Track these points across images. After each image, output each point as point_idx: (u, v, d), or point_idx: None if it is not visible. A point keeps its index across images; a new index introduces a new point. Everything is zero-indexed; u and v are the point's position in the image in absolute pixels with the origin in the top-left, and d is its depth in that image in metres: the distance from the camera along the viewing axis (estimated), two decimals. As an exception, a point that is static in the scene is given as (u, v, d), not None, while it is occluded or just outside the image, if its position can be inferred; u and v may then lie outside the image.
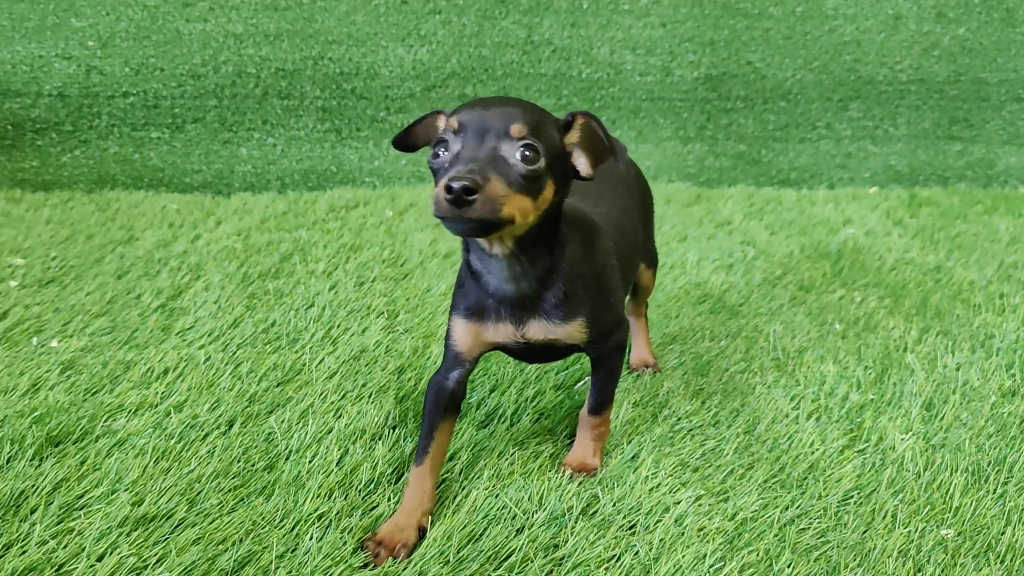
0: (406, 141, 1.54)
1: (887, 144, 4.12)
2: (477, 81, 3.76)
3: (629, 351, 2.20)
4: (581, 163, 1.47)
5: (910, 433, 1.87)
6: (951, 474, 1.72)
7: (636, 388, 2.05)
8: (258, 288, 2.64)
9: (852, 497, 1.65)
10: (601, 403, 1.72)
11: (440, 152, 1.39)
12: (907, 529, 1.55)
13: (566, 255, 1.50)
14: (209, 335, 2.29)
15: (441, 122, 1.46)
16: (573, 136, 1.46)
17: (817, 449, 1.81)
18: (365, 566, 1.41)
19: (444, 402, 1.59)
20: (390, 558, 1.43)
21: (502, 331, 1.53)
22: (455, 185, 1.24)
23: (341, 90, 3.70)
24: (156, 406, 1.91)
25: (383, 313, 2.48)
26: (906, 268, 2.98)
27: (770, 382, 2.11)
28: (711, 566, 1.43)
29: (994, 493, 1.67)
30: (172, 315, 2.43)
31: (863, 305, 2.63)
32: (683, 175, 3.96)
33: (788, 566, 1.43)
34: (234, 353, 2.19)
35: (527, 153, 1.35)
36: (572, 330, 1.54)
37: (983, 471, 1.74)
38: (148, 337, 2.27)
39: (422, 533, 1.50)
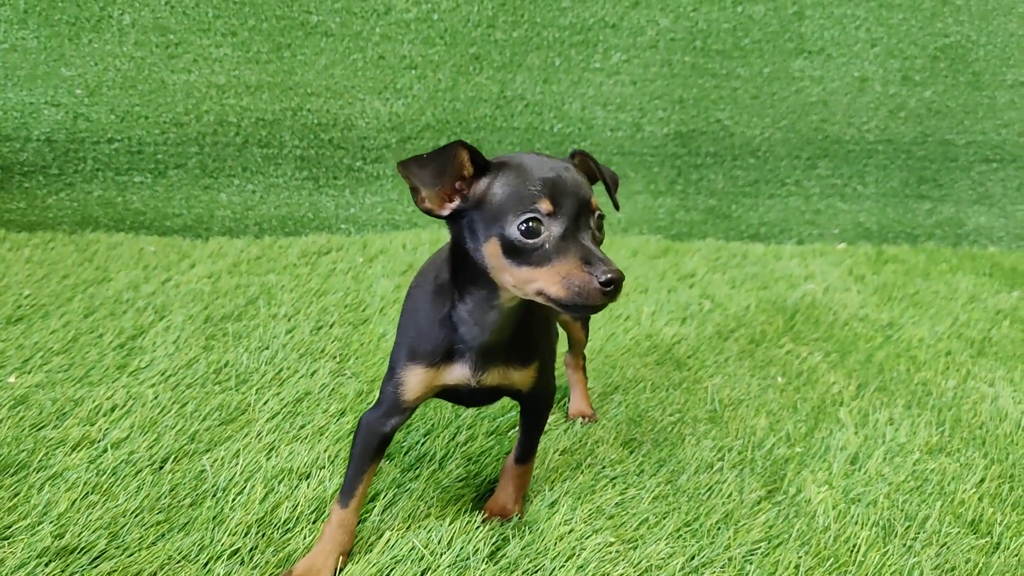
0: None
1: (856, 202, 4.19)
2: (451, 133, 3.87)
3: (567, 401, 2.25)
4: (611, 193, 1.56)
5: (827, 487, 1.91)
6: (861, 528, 1.75)
7: (567, 437, 2.10)
8: (217, 330, 2.70)
9: (760, 548, 1.68)
10: (527, 452, 1.76)
11: (533, 231, 1.33)
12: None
13: (531, 303, 1.49)
14: (162, 374, 2.35)
15: (465, 160, 1.38)
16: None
17: (734, 499, 1.85)
18: (269, 602, 1.46)
19: (375, 447, 1.59)
20: None
21: (458, 374, 1.54)
22: (611, 277, 1.27)
23: (319, 140, 3.82)
24: (97, 442, 1.96)
25: (335, 357, 2.54)
26: (858, 324, 3.03)
27: (700, 433, 2.15)
28: (606, 612, 1.46)
29: (902, 547, 1.70)
30: (130, 354, 2.49)
31: (808, 360, 2.67)
32: (654, 228, 4.04)
33: (680, 613, 1.47)
34: (183, 392, 2.25)
35: (600, 223, 1.41)
36: (525, 375, 1.58)
37: (893, 526, 1.77)
38: (102, 375, 2.33)
39: (335, 575, 1.54)
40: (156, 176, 3.77)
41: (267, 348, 2.56)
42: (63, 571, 1.50)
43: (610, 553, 1.63)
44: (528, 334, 1.56)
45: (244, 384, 2.32)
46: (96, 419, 2.08)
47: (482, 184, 1.39)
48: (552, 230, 1.34)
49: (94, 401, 2.16)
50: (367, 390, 2.32)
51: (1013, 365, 2.69)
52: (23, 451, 1.88)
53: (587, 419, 2.20)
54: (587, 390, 2.27)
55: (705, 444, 2.09)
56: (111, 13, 3.60)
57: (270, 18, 3.69)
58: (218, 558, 1.56)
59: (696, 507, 1.81)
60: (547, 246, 1.34)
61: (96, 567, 1.52)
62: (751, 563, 1.63)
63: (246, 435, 2.02)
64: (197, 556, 1.56)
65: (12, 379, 2.30)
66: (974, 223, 4.26)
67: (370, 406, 2.19)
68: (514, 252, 1.35)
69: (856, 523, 1.77)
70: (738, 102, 4.02)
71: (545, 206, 1.33)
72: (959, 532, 1.75)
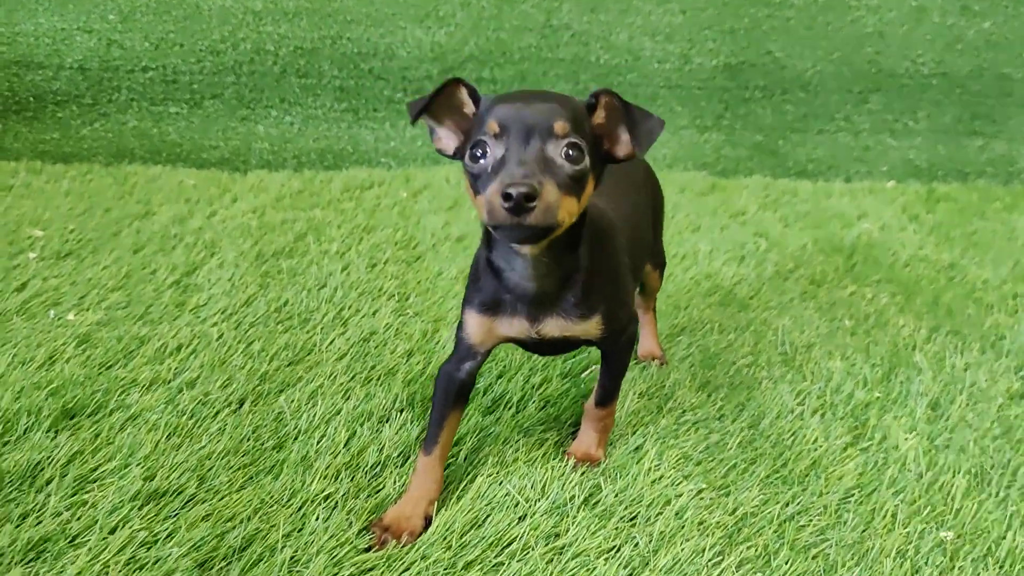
0: (427, 112, 1.42)
1: (907, 138, 4.09)
2: (495, 64, 3.76)
3: (637, 343, 2.21)
4: (618, 147, 1.42)
5: (914, 433, 1.88)
6: (953, 476, 1.73)
7: (643, 379, 2.07)
8: (271, 267, 2.66)
9: (853, 495, 1.66)
10: (608, 396, 1.73)
11: (479, 155, 1.32)
12: (906, 530, 1.56)
13: (588, 254, 1.47)
14: (222, 312, 2.32)
15: (463, 94, 1.40)
16: (599, 117, 1.41)
17: (820, 446, 1.82)
18: (368, 548, 1.44)
19: (455, 393, 1.58)
20: (394, 542, 1.46)
21: (516, 326, 1.52)
22: (514, 192, 1.21)
23: (359, 70, 3.71)
24: (169, 382, 1.94)
25: (394, 295, 2.50)
26: (920, 265, 2.98)
27: (776, 377, 2.12)
28: (709, 560, 1.45)
29: (996, 496, 1.68)
30: (186, 291, 2.46)
31: (874, 302, 2.63)
32: (699, 164, 3.95)
33: (786, 563, 1.45)
34: (246, 331, 2.22)
35: (571, 152, 1.31)
36: (588, 327, 1.54)
37: (986, 474, 1.75)
38: (162, 313, 2.30)
39: (427, 521, 1.52)
40: (192, 107, 3.69)
41: (324, 286, 2.53)
42: (157, 514, 1.49)
43: (704, 500, 1.61)
44: (585, 285, 1.50)
45: (307, 323, 2.28)
46: (164, 358, 2.05)
47: (480, 108, 1.38)
48: (495, 153, 1.31)
49: (159, 340, 2.13)
50: (431, 330, 2.28)
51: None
52: (97, 391, 1.86)
53: (657, 360, 2.17)
54: (657, 332, 2.24)
55: (783, 388, 2.06)
56: (143, -66, 3.47)
57: (309, -59, 3.56)
58: (312, 502, 1.54)
59: (782, 453, 1.79)
60: (489, 170, 1.31)
61: (189, 510, 1.51)
62: (847, 510, 1.61)
63: (317, 376, 1.99)
64: (289, 501, 1.55)
65: (71, 316, 2.27)
66: (1025, 160, 4.18)
67: (441, 347, 2.18)
68: (471, 177, 1.34)
69: (948, 471, 1.75)
70: (791, 33, 3.89)
71: (492, 127, 1.31)
72: (1055, 481, 1.73)
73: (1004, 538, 1.55)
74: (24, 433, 1.69)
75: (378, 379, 2.00)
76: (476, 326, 1.54)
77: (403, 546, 1.45)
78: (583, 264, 1.47)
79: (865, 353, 2.27)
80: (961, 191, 3.96)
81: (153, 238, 2.86)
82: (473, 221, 3.15)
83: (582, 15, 3.78)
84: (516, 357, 2.11)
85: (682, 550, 1.46)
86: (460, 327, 1.58)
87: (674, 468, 1.71)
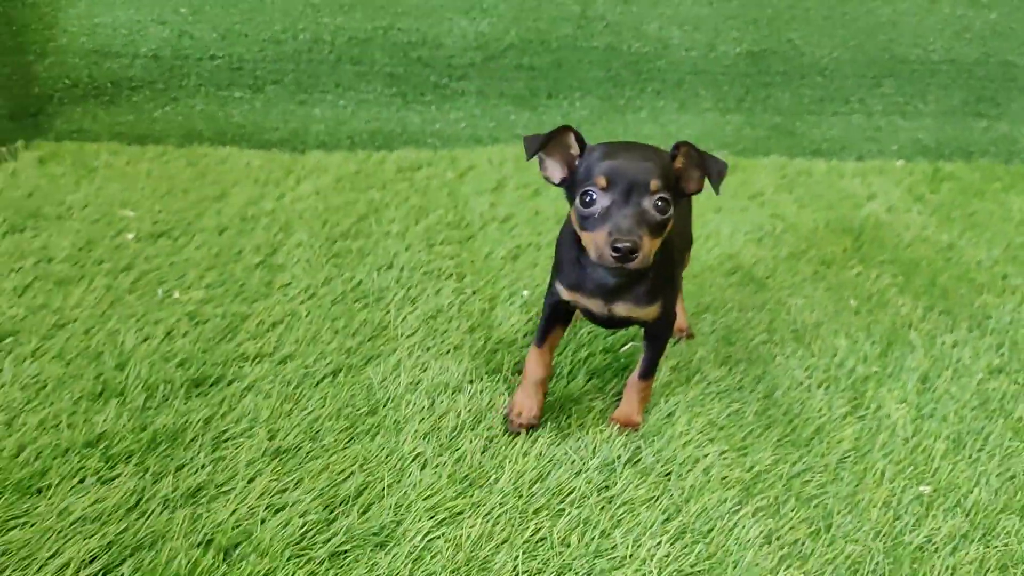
0: (540, 153, 1.80)
1: (916, 119, 4.34)
2: (533, 52, 4.01)
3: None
4: (690, 185, 1.79)
5: (904, 404, 2.20)
6: (934, 440, 2.05)
7: (673, 354, 2.39)
8: (341, 247, 2.97)
9: (849, 456, 1.99)
10: (650, 370, 2.05)
11: (589, 202, 1.68)
12: (892, 485, 1.89)
13: (655, 258, 1.77)
14: (305, 291, 2.64)
15: (570, 139, 1.77)
16: (678, 163, 1.75)
17: (824, 414, 2.14)
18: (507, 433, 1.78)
19: (555, 309, 1.97)
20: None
21: (593, 303, 1.88)
22: (622, 246, 1.60)
23: (408, 58, 3.98)
24: (271, 355, 2.26)
25: (452, 275, 2.81)
26: (921, 246, 3.26)
27: (788, 353, 2.43)
28: (730, 508, 1.78)
29: (969, 458, 2.00)
30: (271, 271, 2.78)
31: (877, 282, 2.92)
32: (721, 144, 4.22)
33: (792, 511, 1.78)
34: (329, 309, 2.54)
35: (660, 204, 1.67)
36: (649, 311, 1.89)
37: (962, 439, 2.07)
38: (255, 292, 2.62)
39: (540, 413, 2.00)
40: (254, 92, 3.97)
41: (391, 267, 2.84)
42: (282, 467, 1.83)
43: (726, 459, 1.94)
44: (652, 280, 1.84)
45: (380, 302, 2.60)
46: (263, 334, 2.38)
47: (580, 161, 1.76)
48: (601, 202, 1.67)
49: (256, 317, 2.45)
50: (488, 308, 2.60)
51: (1065, 290, 2.93)
52: (217, 364, 2.19)
53: (685, 335, 2.48)
54: (684, 309, 2.55)
55: (793, 363, 2.37)
56: (212, -67, 3.73)
57: (363, -62, 3.81)
58: (406, 459, 1.88)
59: (792, 420, 2.12)
60: (596, 215, 1.68)
61: (308, 464, 1.85)
62: (844, 469, 1.94)
63: (396, 350, 2.32)
64: (388, 458, 1.88)
65: (177, 295, 2.60)
66: (1027, 140, 4.42)
67: (498, 324, 2.49)
68: (580, 217, 1.72)
69: (931, 436, 2.07)
70: (810, 22, 4.12)
71: (600, 182, 1.67)
72: (1019, 446, 2.05)
73: (972, 492, 1.88)
74: (165, 400, 2.03)
75: (448, 353, 2.33)
76: (563, 294, 1.93)
77: (529, 427, 1.97)
78: (651, 266, 1.78)
79: (867, 331, 2.58)
80: (965, 170, 4.21)
81: (233, 219, 3.17)
82: (516, 203, 3.44)
83: (615, 6, 4.01)
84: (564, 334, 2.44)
85: (708, 500, 1.79)
86: (549, 290, 1.99)
87: (701, 432, 2.03)
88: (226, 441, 1.92)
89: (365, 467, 1.86)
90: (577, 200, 1.72)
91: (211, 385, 2.12)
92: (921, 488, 1.89)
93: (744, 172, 3.98)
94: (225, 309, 2.50)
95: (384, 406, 2.08)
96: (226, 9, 3.82)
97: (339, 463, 1.86)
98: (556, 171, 1.82)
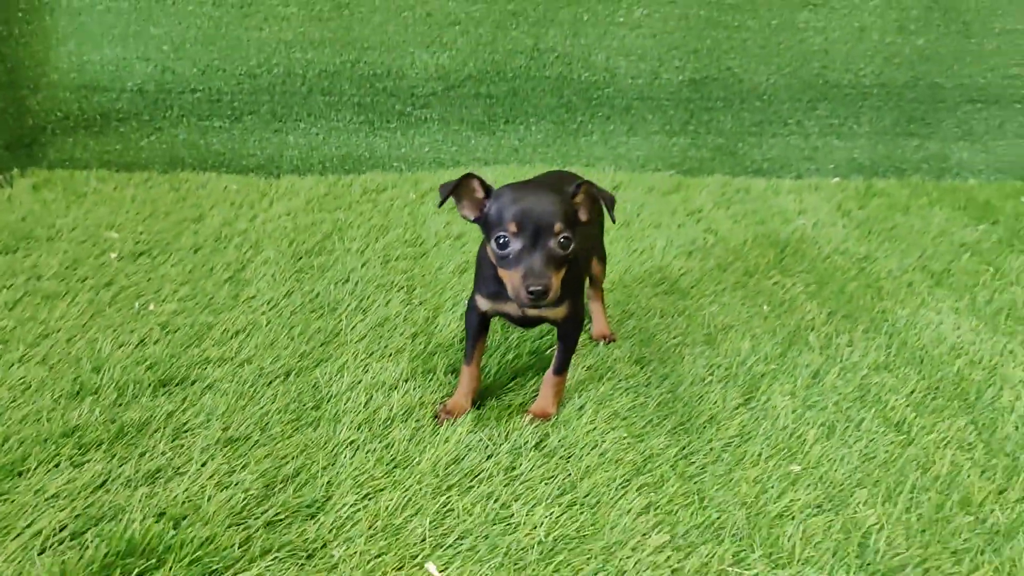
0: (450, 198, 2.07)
1: (850, 139, 4.61)
2: (490, 82, 4.30)
3: (591, 325, 2.79)
4: (584, 215, 2.07)
5: (791, 396, 2.46)
6: (810, 427, 2.31)
7: (591, 355, 2.65)
8: (305, 264, 3.25)
9: (733, 442, 2.24)
10: (562, 366, 2.32)
11: (503, 245, 1.94)
12: (766, 464, 2.15)
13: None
14: (268, 303, 2.92)
15: (475, 184, 2.03)
16: (578, 199, 2.04)
17: (718, 406, 2.40)
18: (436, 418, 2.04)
19: (479, 325, 2.29)
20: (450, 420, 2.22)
21: (510, 307, 2.18)
22: (534, 289, 1.87)
23: (374, 88, 4.27)
24: (232, 359, 2.54)
25: (403, 287, 3.08)
26: (839, 258, 3.52)
27: (696, 353, 2.69)
28: (619, 485, 2.03)
29: (839, 442, 2.26)
30: (239, 285, 3.05)
31: (791, 290, 3.19)
32: (668, 164, 4.49)
33: (672, 487, 2.04)
34: (288, 318, 2.81)
35: (563, 242, 1.94)
36: (558, 312, 2.19)
37: (835, 426, 2.33)
38: (222, 304, 2.90)
39: (475, 405, 2.31)
40: (233, 121, 4.26)
41: (348, 280, 3.11)
42: (233, 453, 2.09)
43: (624, 445, 2.20)
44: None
45: (334, 312, 2.87)
46: (227, 341, 2.65)
47: (488, 204, 2.03)
48: (514, 246, 1.93)
49: (222, 326, 2.73)
50: (432, 316, 2.87)
51: (962, 295, 3.19)
52: (182, 366, 2.46)
53: (607, 339, 2.75)
54: (607, 316, 2.81)
55: (700, 362, 2.63)
56: (191, -23, 4.04)
57: (330, -20, 4.11)
58: (341, 445, 2.14)
59: (689, 411, 2.37)
60: (511, 256, 1.94)
61: (255, 450, 2.11)
62: (727, 452, 2.20)
63: (343, 354, 2.58)
64: (325, 444, 2.14)
65: (152, 307, 2.87)
66: (957, 158, 4.68)
67: (439, 330, 2.76)
68: (497, 257, 1.98)
69: (807, 424, 2.33)
70: (747, 51, 4.41)
71: (511, 228, 1.93)
72: (884, 431, 2.31)
73: (835, 469, 2.14)
74: (134, 397, 2.30)
75: (389, 356, 2.59)
76: (484, 303, 2.23)
77: (455, 419, 2.23)
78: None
79: (772, 333, 2.84)
80: (896, 187, 4.48)
81: (208, 239, 3.45)
82: (468, 223, 3.71)
83: (565, 39, 4.30)
84: (496, 339, 2.70)
85: (600, 478, 2.05)
86: (472, 301, 2.29)
87: (605, 422, 2.29)
88: (185, 432, 2.18)
89: (304, 452, 2.12)
90: (493, 242, 1.97)
91: (176, 385, 2.39)
92: (791, 467, 2.14)
93: (687, 191, 4.25)
94: (194, 319, 2.77)
95: (327, 402, 2.34)
96: (205, 46, 4.12)
97: (283, 449, 2.12)
98: (469, 212, 2.08)
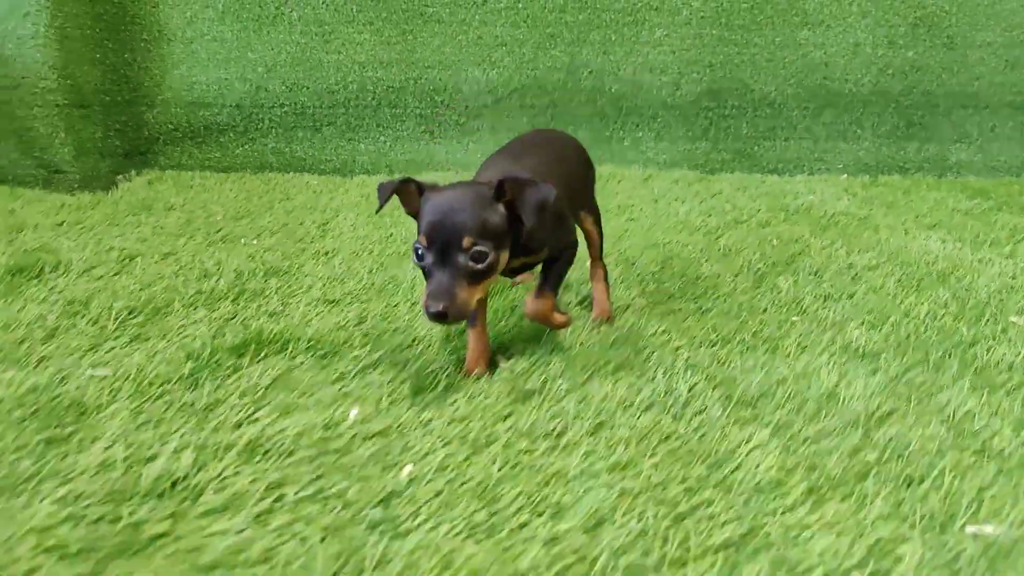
0: (392, 200, 1.91)
1: (856, 142, 5.08)
2: (533, 95, 4.91)
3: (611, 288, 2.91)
4: (525, 213, 1.79)
5: (793, 283, 2.86)
6: (809, 296, 2.70)
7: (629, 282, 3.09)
8: (378, 221, 3.77)
9: (750, 306, 2.65)
10: (544, 287, 2.11)
11: (419, 256, 1.79)
12: (772, 314, 2.54)
13: (528, 232, 1.88)
14: (350, 237, 3.42)
15: (412, 188, 1.87)
16: (509, 195, 1.80)
17: (734, 289, 2.81)
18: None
19: None
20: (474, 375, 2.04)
21: None
22: (431, 311, 1.70)
23: (433, 101, 4.89)
24: (325, 260, 3.03)
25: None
26: (842, 217, 3.93)
27: (713, 262, 3.11)
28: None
29: (832, 301, 2.64)
30: (325, 228, 3.56)
31: (797, 231, 3.60)
32: (692, 166, 5.00)
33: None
34: (366, 246, 3.30)
35: (477, 257, 1.75)
36: (539, 256, 2.08)
37: (830, 295, 2.72)
38: (312, 238, 3.41)
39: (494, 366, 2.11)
40: (314, 131, 4.90)
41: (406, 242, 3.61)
42: (331, 307, 2.55)
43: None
44: (532, 241, 1.95)
45: (407, 243, 3.37)
46: (319, 256, 3.14)
47: (422, 200, 1.86)
48: (427, 259, 1.77)
49: (313, 248, 3.22)
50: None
51: (950, 232, 3.58)
52: (283, 265, 2.96)
53: (607, 319, 2.49)
54: (608, 292, 2.60)
55: (716, 267, 3.05)
56: (283, 11, 4.74)
57: (397, 11, 4.78)
58: (412, 302, 2.59)
59: (713, 295, 2.79)
60: (425, 269, 1.79)
61: (348, 306, 2.57)
62: (744, 310, 2.60)
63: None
64: (401, 304, 2.60)
65: (255, 241, 3.39)
66: (955, 158, 5.10)
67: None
68: (417, 267, 1.88)
69: (807, 294, 2.72)
70: (756, 65, 4.96)
71: (423, 241, 1.77)
72: (872, 296, 2.69)
73: (828, 313, 2.52)
74: (250, 277, 2.79)
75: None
76: None
77: (481, 376, 2.03)
78: (526, 234, 1.90)
79: (779, 251, 3.25)
80: (900, 181, 4.91)
81: (296, 208, 3.99)
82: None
83: (597, 57, 4.91)
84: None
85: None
86: None
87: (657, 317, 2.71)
88: (292, 296, 2.65)
89: (387, 307, 2.57)
90: (413, 254, 1.83)
91: (282, 275, 2.87)
92: (792, 318, 2.53)
93: (709, 183, 4.73)
94: (290, 247, 3.28)
95: (401, 283, 2.80)
96: (293, 68, 4.80)
97: (369, 308, 2.58)
98: (410, 207, 1.93)
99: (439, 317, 1.71)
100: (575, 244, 2.19)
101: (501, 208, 1.82)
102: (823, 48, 4.96)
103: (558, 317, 2.16)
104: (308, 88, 4.84)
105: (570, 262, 2.17)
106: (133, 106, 4.75)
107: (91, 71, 4.48)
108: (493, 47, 4.87)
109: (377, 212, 1.92)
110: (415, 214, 1.89)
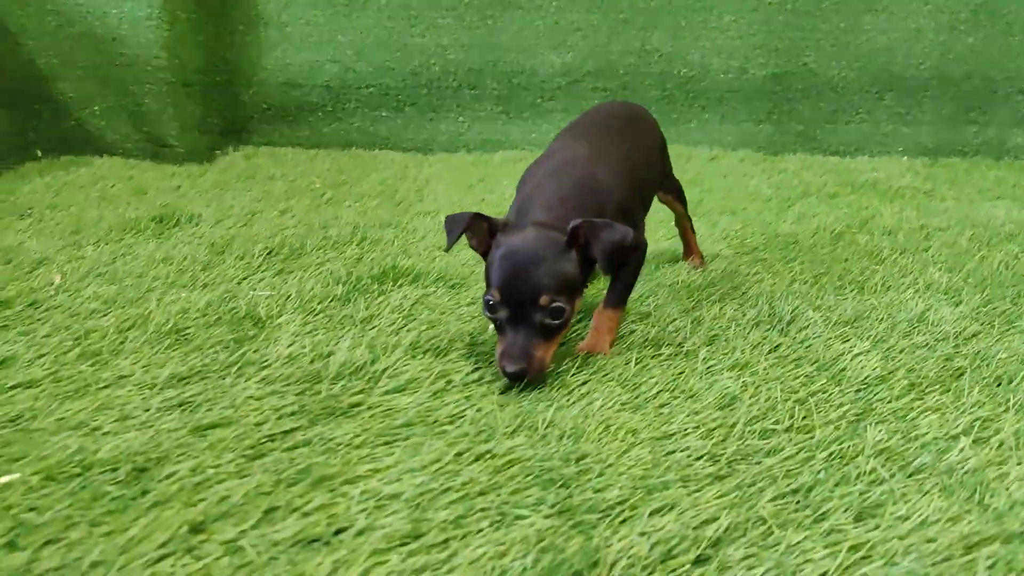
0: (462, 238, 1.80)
1: (916, 126, 5.22)
2: (606, 78, 5.12)
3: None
4: (598, 254, 1.69)
5: (871, 240, 3.03)
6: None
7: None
8: (466, 195, 4.00)
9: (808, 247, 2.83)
10: (618, 300, 1.99)
11: (492, 307, 1.70)
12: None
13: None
14: (446, 197, 3.67)
15: (483, 224, 1.76)
16: (581, 239, 1.71)
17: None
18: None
19: None
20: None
21: None
22: (509, 371, 1.63)
23: (511, 84, 5.13)
24: (427, 219, 3.27)
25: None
26: (907, 190, 4.09)
27: (791, 224, 3.30)
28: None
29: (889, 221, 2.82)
30: (421, 194, 3.82)
31: (864, 200, 3.77)
32: (755, 148, 5.17)
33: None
34: (462, 207, 3.53)
35: (554, 310, 1.67)
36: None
37: (900, 227, 2.89)
38: (410, 201, 3.66)
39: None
40: (397, 111, 5.16)
41: (505, 196, 3.85)
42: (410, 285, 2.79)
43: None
44: (601, 269, 1.76)
45: (499, 209, 3.59)
46: (419, 216, 3.39)
47: (493, 244, 1.76)
48: (500, 313, 1.69)
49: (413, 209, 3.48)
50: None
51: (1012, 202, 3.72)
52: (392, 220, 3.21)
53: (698, 263, 2.71)
54: (696, 242, 2.77)
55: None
56: (371, -2, 5.07)
57: (479, -3, 5.08)
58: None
59: (779, 240, 2.97)
60: (498, 323, 1.72)
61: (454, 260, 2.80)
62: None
63: (512, 221, 3.28)
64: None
65: (357, 204, 3.64)
66: (1013, 142, 5.21)
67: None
68: (487, 317, 1.75)
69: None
70: (821, 49, 5.12)
71: (495, 295, 1.69)
72: (934, 235, 2.86)
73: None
74: (368, 228, 3.04)
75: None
76: None
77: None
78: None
79: (838, 216, 3.42)
80: (960, 163, 5.04)
81: (387, 178, 4.25)
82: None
83: (667, 41, 5.10)
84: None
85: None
86: None
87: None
88: (411, 244, 2.90)
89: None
90: (483, 305, 1.74)
91: (392, 227, 3.12)
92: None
93: (774, 162, 4.90)
94: (392, 210, 3.52)
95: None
96: (379, 50, 5.06)
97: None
98: (478, 246, 1.83)
99: (517, 377, 1.65)
100: (644, 246, 2.05)
101: (574, 255, 1.72)
102: (886, 33, 5.10)
103: (609, 341, 1.95)
104: (393, 70, 5.10)
105: (639, 269, 2.04)
106: (231, 86, 5.05)
107: (194, 52, 4.78)
108: (569, 31, 5.09)
109: (447, 250, 1.77)
110: (483, 253, 1.80)
